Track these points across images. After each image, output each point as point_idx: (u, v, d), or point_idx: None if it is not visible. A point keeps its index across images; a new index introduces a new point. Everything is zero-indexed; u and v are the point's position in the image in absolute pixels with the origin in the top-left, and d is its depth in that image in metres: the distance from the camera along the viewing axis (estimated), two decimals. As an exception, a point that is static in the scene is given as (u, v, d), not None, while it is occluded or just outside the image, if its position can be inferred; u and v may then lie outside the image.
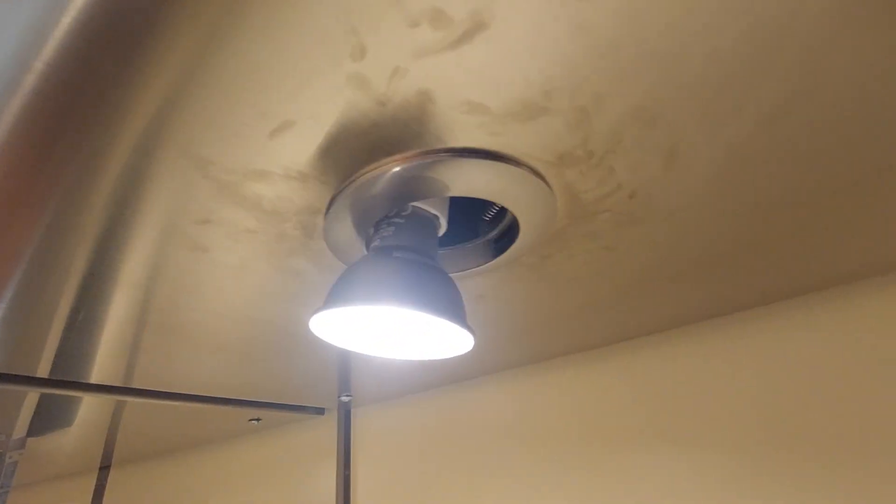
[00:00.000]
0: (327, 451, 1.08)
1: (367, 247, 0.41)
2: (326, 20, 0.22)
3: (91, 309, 0.49)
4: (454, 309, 0.35)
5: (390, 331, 0.41)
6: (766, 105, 0.30)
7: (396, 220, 0.38)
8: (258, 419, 1.08)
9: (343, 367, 0.79)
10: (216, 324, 0.56)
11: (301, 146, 0.30)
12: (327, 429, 1.10)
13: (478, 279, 0.50)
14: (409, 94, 0.27)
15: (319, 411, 1.09)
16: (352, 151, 0.32)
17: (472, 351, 0.71)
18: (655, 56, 0.26)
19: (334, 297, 0.34)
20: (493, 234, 0.45)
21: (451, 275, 0.47)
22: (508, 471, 0.82)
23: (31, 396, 0.79)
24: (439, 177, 0.34)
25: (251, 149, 0.30)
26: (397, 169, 0.33)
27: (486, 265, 0.46)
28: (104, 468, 1.61)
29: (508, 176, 0.34)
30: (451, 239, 0.46)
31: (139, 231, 0.37)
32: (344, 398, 0.98)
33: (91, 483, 1.61)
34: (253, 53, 0.24)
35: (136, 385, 0.79)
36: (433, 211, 0.40)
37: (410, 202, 0.37)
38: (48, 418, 0.96)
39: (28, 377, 0.70)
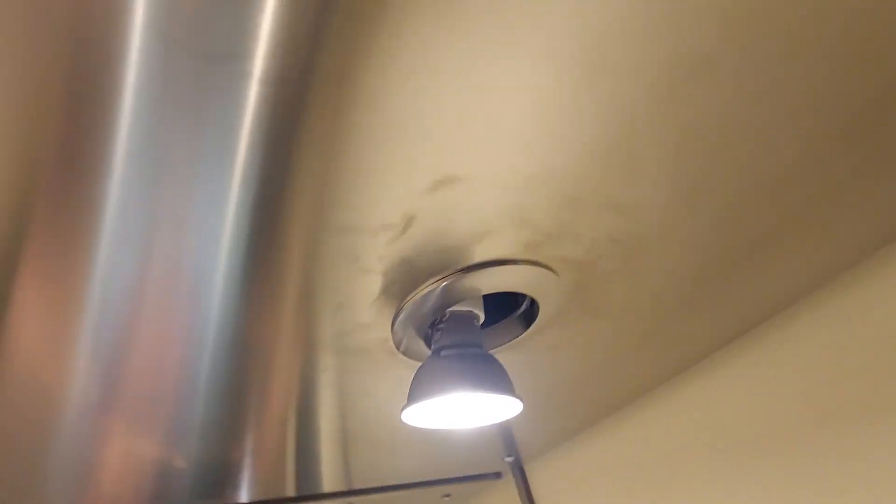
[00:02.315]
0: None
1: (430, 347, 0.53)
2: (393, 216, 0.37)
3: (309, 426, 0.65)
4: (500, 383, 0.47)
5: (460, 407, 0.52)
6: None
7: (441, 325, 0.50)
8: (448, 495, 1.17)
9: (505, 429, 0.89)
10: (399, 427, 0.71)
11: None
12: (509, 493, 1.14)
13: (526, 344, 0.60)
14: (428, 250, 0.41)
15: (497, 475, 1.16)
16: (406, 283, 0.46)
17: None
18: (570, 204, 0.38)
19: (412, 395, 0.47)
20: (521, 311, 0.56)
21: (494, 349, 0.58)
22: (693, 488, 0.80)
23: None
24: (472, 284, 0.46)
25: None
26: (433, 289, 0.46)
27: (521, 336, 0.57)
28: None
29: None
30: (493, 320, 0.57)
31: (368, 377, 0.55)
32: (507, 459, 1.06)
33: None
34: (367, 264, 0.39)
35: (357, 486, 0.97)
36: (471, 309, 0.52)
37: (448, 308, 0.50)
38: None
39: (284, 499, 0.90)
